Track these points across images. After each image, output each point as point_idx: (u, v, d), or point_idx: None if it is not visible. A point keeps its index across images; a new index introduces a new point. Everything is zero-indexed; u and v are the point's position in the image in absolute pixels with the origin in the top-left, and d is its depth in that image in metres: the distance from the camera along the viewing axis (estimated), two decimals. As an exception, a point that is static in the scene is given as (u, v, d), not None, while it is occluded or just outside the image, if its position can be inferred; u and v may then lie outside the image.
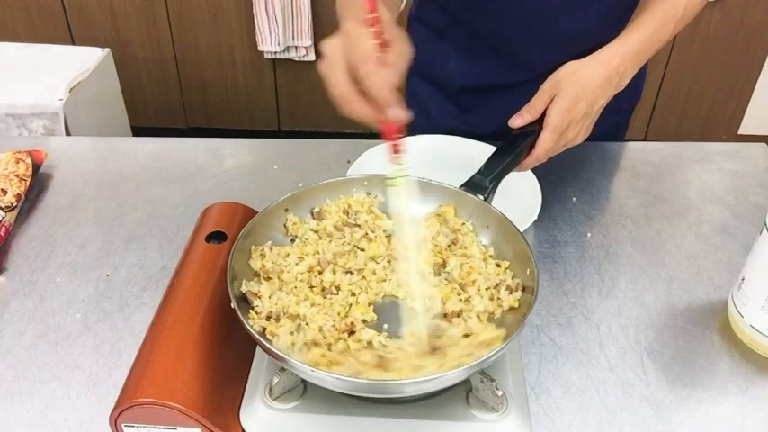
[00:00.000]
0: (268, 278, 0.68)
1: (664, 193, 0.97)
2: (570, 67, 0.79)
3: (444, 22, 1.03)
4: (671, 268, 0.84)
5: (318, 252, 0.71)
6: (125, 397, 0.59)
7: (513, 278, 0.68)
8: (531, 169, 0.90)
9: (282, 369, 0.61)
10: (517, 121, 0.79)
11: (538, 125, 0.79)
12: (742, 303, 0.73)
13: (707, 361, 0.73)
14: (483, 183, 0.75)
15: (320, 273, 0.69)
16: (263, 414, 0.61)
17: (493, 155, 0.78)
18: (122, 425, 0.61)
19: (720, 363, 0.73)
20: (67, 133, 1.74)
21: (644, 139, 2.57)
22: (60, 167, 1.02)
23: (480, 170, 0.76)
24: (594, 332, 0.76)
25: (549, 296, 0.80)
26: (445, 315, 0.65)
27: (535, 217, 0.86)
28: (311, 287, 0.67)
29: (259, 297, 0.65)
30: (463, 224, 0.74)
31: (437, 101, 1.11)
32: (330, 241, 0.72)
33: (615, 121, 1.11)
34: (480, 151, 0.96)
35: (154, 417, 0.59)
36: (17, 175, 0.93)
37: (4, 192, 0.89)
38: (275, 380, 0.61)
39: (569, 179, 0.99)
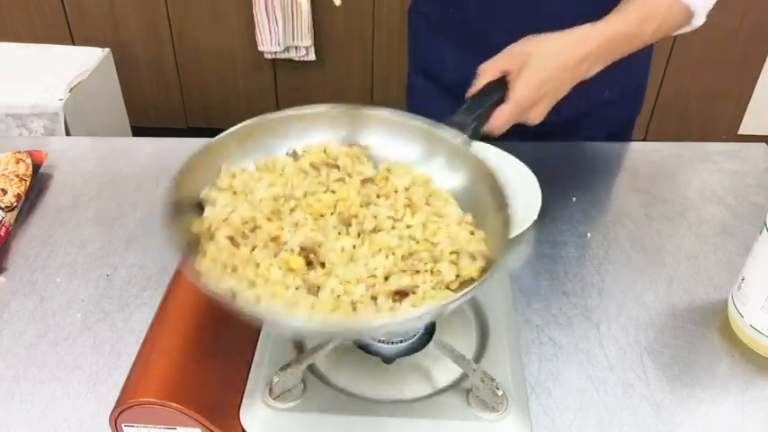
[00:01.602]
0: (233, 193, 0.65)
1: (664, 193, 0.97)
2: (543, 43, 0.73)
3: (438, 14, 1.03)
4: (671, 268, 0.84)
5: (286, 185, 0.66)
6: (125, 397, 0.59)
7: (482, 249, 0.62)
8: (531, 169, 0.90)
9: (282, 369, 0.61)
10: (471, 90, 0.73)
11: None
12: (742, 303, 0.73)
13: (707, 361, 0.73)
14: (466, 121, 0.69)
15: (285, 203, 0.64)
16: (263, 414, 0.61)
17: (479, 92, 0.72)
18: (122, 425, 0.61)
19: (720, 363, 0.73)
20: (67, 133, 1.73)
21: (644, 139, 2.57)
22: (60, 167, 1.02)
23: (463, 108, 0.70)
24: (594, 332, 0.76)
25: (549, 296, 0.80)
26: (397, 293, 0.58)
27: (535, 217, 0.86)
28: (268, 218, 0.63)
29: (213, 205, 0.63)
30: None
31: (436, 98, 1.11)
32: (305, 178, 0.67)
33: (615, 131, 1.10)
34: (480, 150, 0.96)
35: (154, 417, 0.59)
36: (17, 175, 0.93)
37: (4, 192, 0.89)
38: (275, 380, 0.61)
39: (569, 179, 0.99)
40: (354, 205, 0.64)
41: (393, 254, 0.61)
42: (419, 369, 0.65)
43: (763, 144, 1.07)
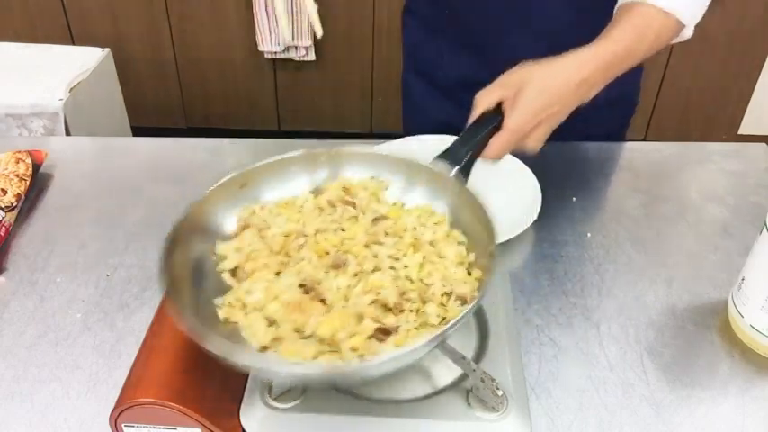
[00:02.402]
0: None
1: (664, 193, 0.97)
2: (537, 70, 0.72)
3: (432, 13, 1.04)
4: (671, 268, 0.84)
5: (299, 222, 0.68)
6: (125, 397, 0.59)
7: (473, 290, 0.62)
8: (531, 169, 0.90)
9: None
10: (473, 115, 0.73)
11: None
12: (742, 303, 0.73)
13: (707, 361, 0.73)
14: (459, 153, 0.69)
15: (294, 240, 0.66)
16: (263, 414, 0.61)
17: (473, 124, 0.73)
18: (122, 425, 0.61)
19: (720, 363, 0.73)
20: (67, 133, 1.73)
21: (644, 139, 2.58)
22: (60, 167, 1.02)
23: (457, 140, 0.71)
24: (594, 332, 0.76)
25: (549, 296, 0.80)
26: (379, 330, 0.59)
27: (535, 217, 0.86)
28: (276, 253, 0.65)
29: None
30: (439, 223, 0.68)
31: (431, 98, 1.11)
32: (319, 215, 0.68)
33: (610, 130, 1.11)
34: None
35: (154, 417, 0.59)
36: (17, 175, 0.93)
37: (4, 192, 0.89)
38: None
39: (569, 179, 0.99)
40: (358, 245, 0.66)
41: (381, 293, 0.62)
42: (419, 369, 0.65)
43: (763, 144, 1.07)
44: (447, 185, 0.69)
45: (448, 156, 0.69)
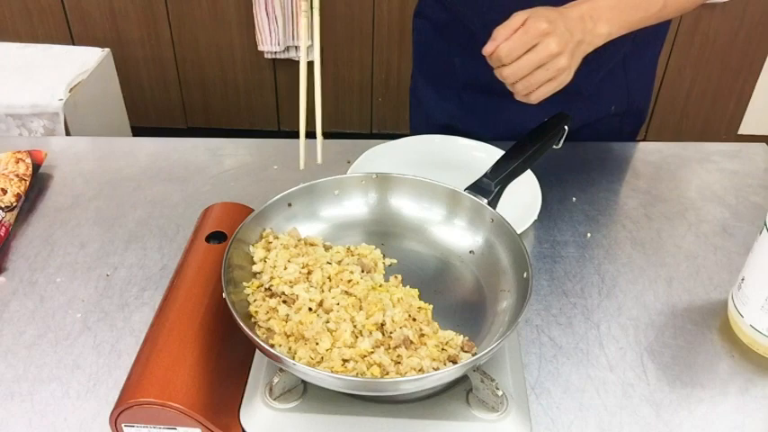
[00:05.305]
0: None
1: (664, 193, 0.97)
2: (541, 8, 0.78)
3: (443, 18, 1.04)
4: (671, 268, 0.84)
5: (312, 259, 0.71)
6: (125, 397, 0.59)
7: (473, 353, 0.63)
8: (531, 169, 0.90)
9: (282, 369, 0.61)
10: (489, 48, 0.77)
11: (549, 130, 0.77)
12: (742, 303, 0.73)
13: (707, 361, 0.73)
14: (489, 186, 0.74)
15: (309, 273, 0.69)
16: (263, 414, 0.61)
17: (500, 159, 0.78)
18: (122, 425, 0.61)
19: (720, 363, 0.73)
20: (67, 133, 1.73)
21: (644, 139, 2.58)
22: (60, 167, 1.02)
23: (486, 173, 0.76)
24: (594, 332, 0.76)
25: (549, 296, 0.80)
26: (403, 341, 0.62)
27: (535, 217, 0.86)
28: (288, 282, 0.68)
29: (255, 262, 0.69)
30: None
31: (439, 99, 1.11)
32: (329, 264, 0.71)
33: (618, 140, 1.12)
34: (482, 153, 0.97)
35: (154, 417, 0.59)
36: (17, 175, 0.93)
37: (4, 191, 0.89)
38: (275, 380, 0.61)
39: (569, 179, 0.99)
40: (365, 300, 0.67)
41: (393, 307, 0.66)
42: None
43: (763, 144, 1.07)
44: (484, 216, 0.73)
45: (478, 189, 0.74)
